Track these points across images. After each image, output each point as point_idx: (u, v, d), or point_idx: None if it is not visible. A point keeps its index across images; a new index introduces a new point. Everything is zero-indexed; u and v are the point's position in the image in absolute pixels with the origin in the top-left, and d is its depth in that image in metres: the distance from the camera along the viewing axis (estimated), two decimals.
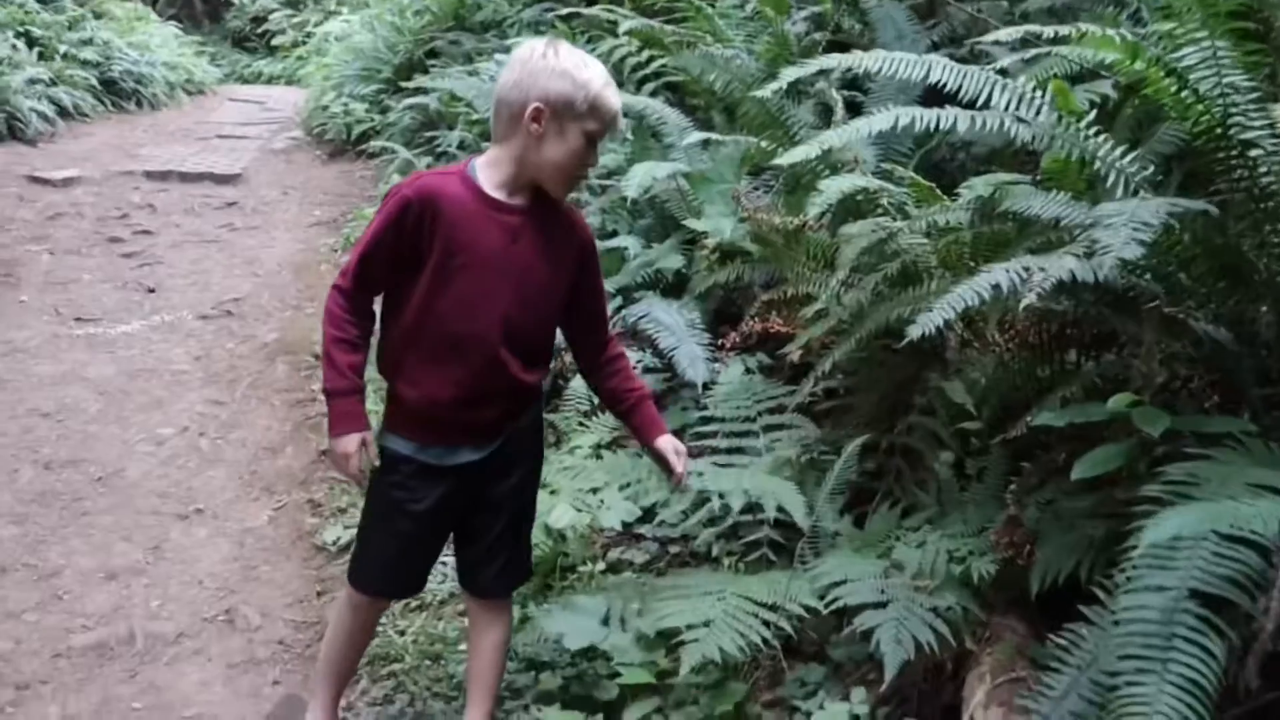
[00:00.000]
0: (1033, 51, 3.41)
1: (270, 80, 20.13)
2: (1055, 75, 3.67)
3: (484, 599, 2.83)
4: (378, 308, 2.63)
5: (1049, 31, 2.77)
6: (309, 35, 18.44)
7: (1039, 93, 2.92)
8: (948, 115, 2.70)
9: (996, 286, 2.41)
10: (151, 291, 7.18)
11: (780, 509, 3.17)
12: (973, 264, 3.15)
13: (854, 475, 3.22)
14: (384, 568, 2.74)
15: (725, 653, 2.60)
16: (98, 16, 14.34)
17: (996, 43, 3.01)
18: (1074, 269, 2.25)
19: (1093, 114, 2.95)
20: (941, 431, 3.30)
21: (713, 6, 6.28)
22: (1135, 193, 2.71)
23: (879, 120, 2.73)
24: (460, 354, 2.52)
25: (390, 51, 11.32)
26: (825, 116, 4.91)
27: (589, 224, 2.82)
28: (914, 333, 2.41)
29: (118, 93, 13.38)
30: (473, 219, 2.48)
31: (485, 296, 2.50)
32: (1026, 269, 2.39)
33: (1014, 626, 2.83)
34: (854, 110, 5.18)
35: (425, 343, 2.53)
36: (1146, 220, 2.14)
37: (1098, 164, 2.73)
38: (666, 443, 2.79)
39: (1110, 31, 2.51)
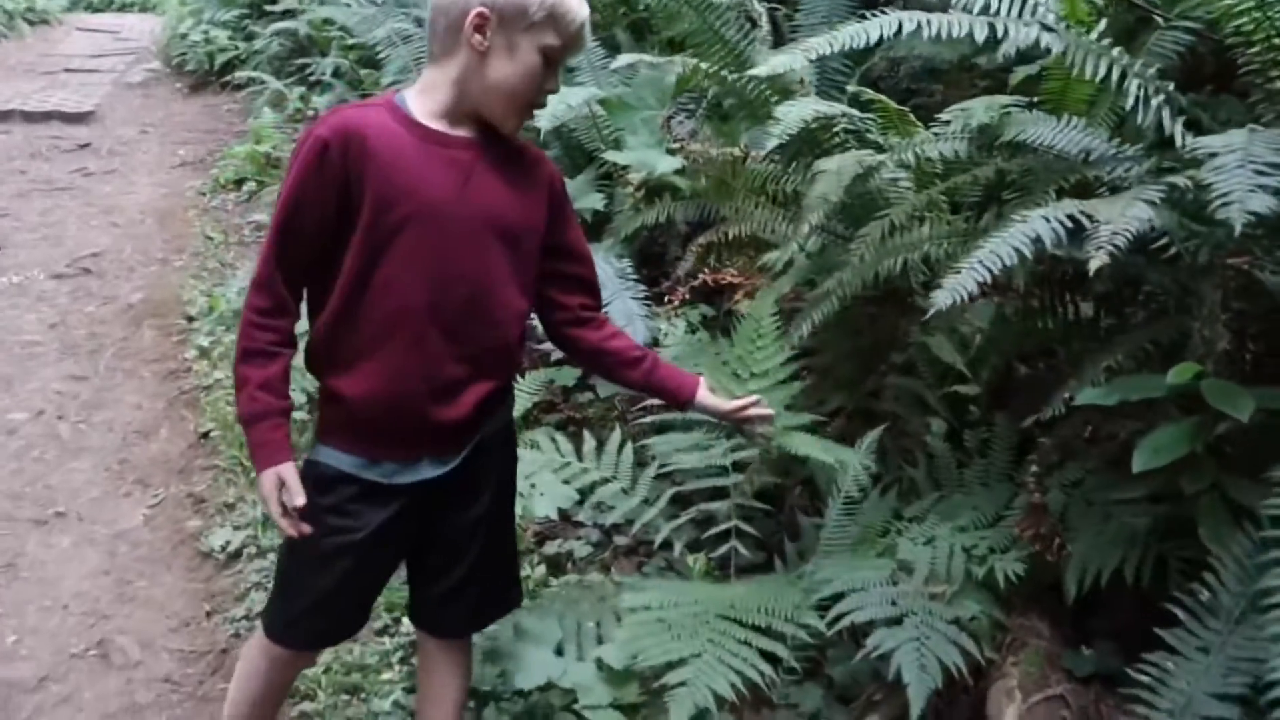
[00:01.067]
0: None
1: (124, 7, 18.76)
2: None
3: (445, 639, 2.29)
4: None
5: None
6: None
7: None
8: (958, 20, 2.22)
9: (1037, 239, 1.96)
10: None
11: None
12: (967, 211, 2.70)
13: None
14: (313, 614, 2.12)
15: (720, 696, 2.13)
16: None
17: None
18: (1149, 219, 1.80)
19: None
20: (927, 395, 2.87)
21: None
22: (1172, 117, 2.27)
23: (876, 25, 2.26)
24: (412, 333, 1.94)
25: None
26: (749, 32, 4.42)
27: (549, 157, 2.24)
28: (941, 301, 1.95)
29: None
30: (410, 158, 1.91)
31: (438, 254, 1.93)
32: (1074, 219, 1.94)
33: (1037, 628, 2.43)
34: (776, 25, 4.70)
35: (366, 323, 1.94)
36: (1271, 160, 1.68)
37: (1126, 81, 2.27)
38: (709, 400, 2.31)
39: None
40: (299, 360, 2.02)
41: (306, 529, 1.96)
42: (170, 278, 5.97)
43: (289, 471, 1.94)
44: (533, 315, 2.18)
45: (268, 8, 9.15)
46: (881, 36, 2.28)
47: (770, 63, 2.38)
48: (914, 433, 2.89)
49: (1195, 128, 2.37)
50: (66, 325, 5.40)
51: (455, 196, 1.93)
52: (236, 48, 10.07)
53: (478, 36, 1.89)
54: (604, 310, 2.34)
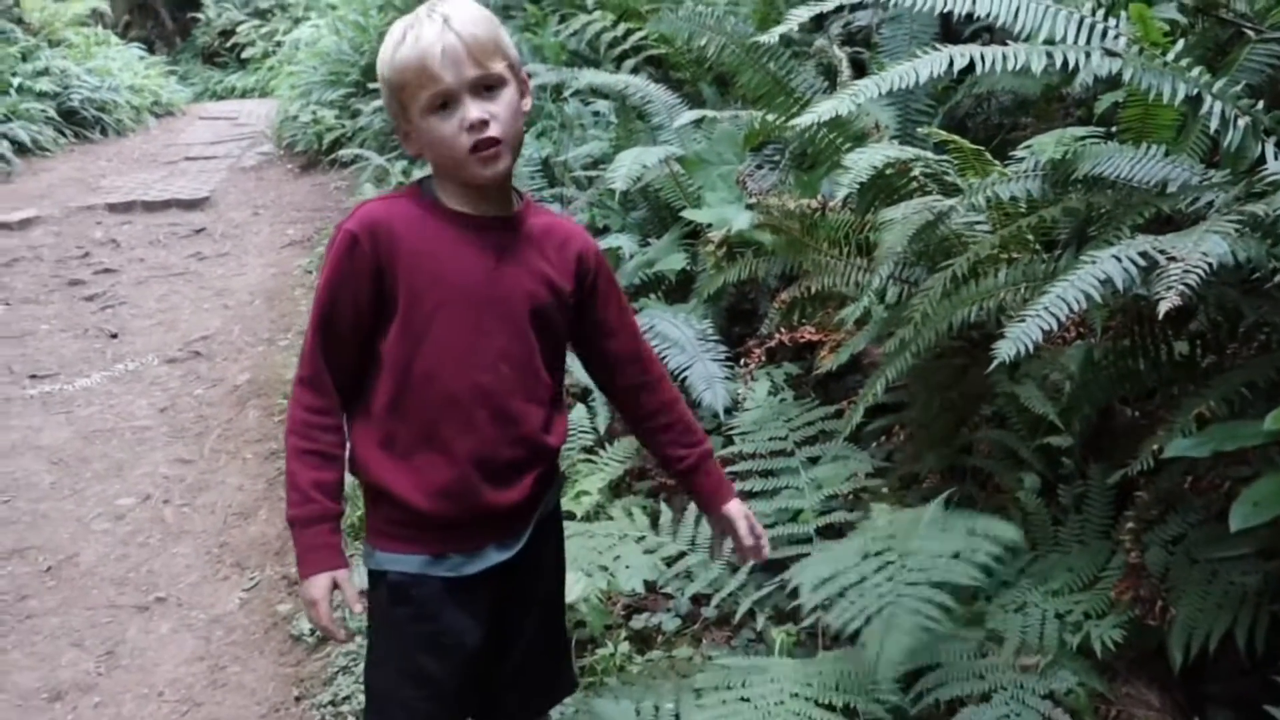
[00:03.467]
0: None
1: (244, 94, 19.50)
2: (1111, 3, 3.09)
3: None
4: None
5: None
6: (279, 44, 17.81)
7: (1111, 21, 2.33)
8: (1015, 52, 2.10)
9: (1107, 281, 1.82)
10: (114, 337, 6.62)
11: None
12: (1041, 249, 2.56)
13: None
14: None
15: None
16: (53, 45, 13.74)
17: None
18: (1222, 255, 1.65)
19: None
20: (1021, 448, 2.71)
21: None
22: (1257, 139, 2.11)
23: (926, 63, 2.14)
24: (462, 419, 1.89)
25: (356, 53, 10.71)
26: (830, 79, 4.32)
27: (584, 228, 2.20)
28: (1004, 352, 1.82)
29: (79, 122, 12.77)
30: (438, 243, 1.87)
31: (476, 337, 1.88)
32: (1147, 256, 1.79)
33: (1145, 698, 2.25)
34: (860, 70, 4.59)
35: (414, 415, 1.89)
36: None
37: (1205, 105, 2.12)
38: (736, 509, 2.19)
39: None
40: None
41: (342, 638, 1.96)
42: (275, 357, 6.06)
43: (345, 577, 1.91)
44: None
45: (371, 85, 9.33)
46: (932, 74, 2.17)
47: (818, 109, 2.28)
48: (1007, 489, 2.73)
49: None
50: (176, 409, 5.52)
51: (486, 279, 1.89)
52: (343, 126, 10.31)
53: (410, 147, 1.93)
54: (683, 376, 2.25)
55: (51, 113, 12.21)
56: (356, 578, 2.03)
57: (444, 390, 1.88)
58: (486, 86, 1.83)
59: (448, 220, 1.89)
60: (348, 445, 1.97)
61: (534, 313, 1.93)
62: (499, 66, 1.84)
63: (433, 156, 1.87)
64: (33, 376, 5.98)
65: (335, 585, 1.91)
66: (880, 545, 2.35)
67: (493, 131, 1.81)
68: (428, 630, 1.96)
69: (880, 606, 2.18)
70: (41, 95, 12.21)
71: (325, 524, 1.91)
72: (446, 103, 1.81)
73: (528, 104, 1.94)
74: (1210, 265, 1.68)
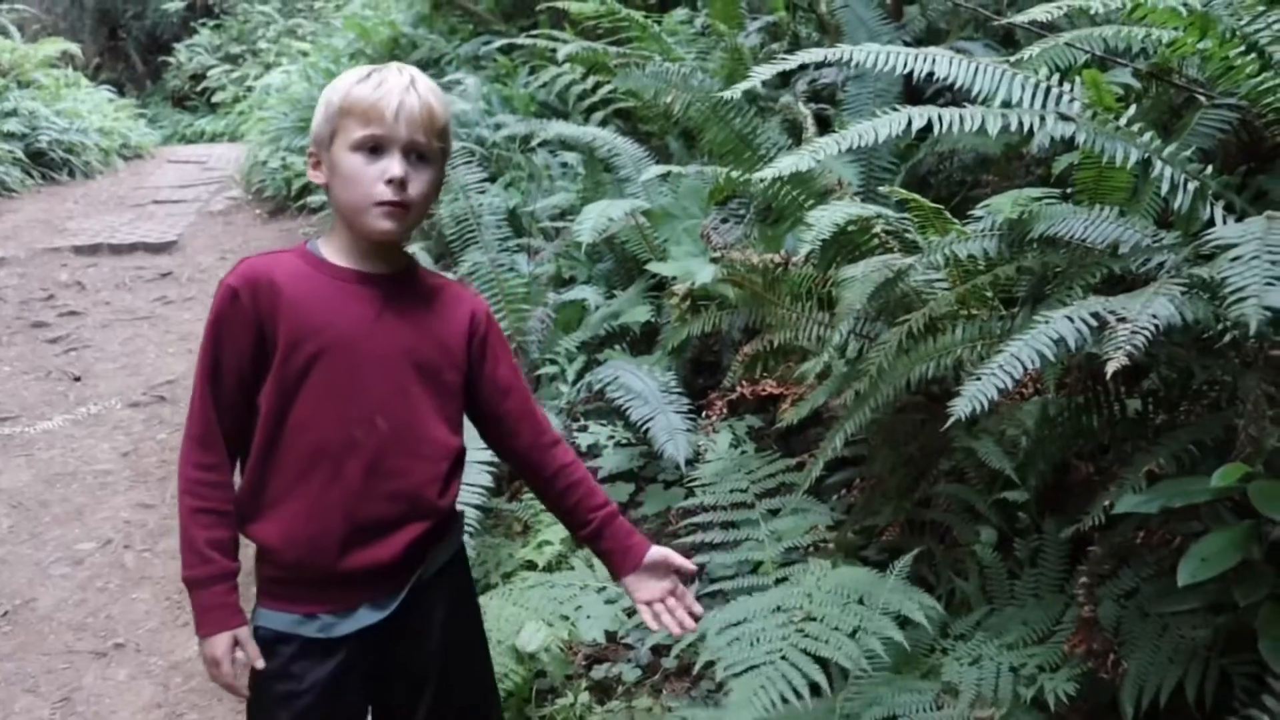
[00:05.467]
0: (1038, 46, 2.89)
1: (213, 138, 19.50)
2: (1066, 67, 3.17)
3: None
4: None
5: (1097, 5, 2.22)
6: (249, 89, 17.84)
7: (1065, 85, 2.40)
8: (972, 114, 2.15)
9: (1060, 340, 1.87)
10: (77, 380, 6.58)
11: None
12: (1000, 306, 2.61)
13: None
14: None
15: None
16: (22, 86, 13.71)
17: (1033, 21, 2.46)
18: (1169, 316, 1.70)
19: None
20: (978, 503, 2.75)
21: (659, 25, 5.77)
22: (1206, 203, 2.17)
23: (885, 123, 2.19)
24: (331, 469, 1.88)
25: None
26: (795, 136, 4.40)
27: (480, 295, 2.21)
28: (960, 409, 1.86)
29: (47, 164, 12.72)
30: (320, 295, 1.88)
31: (352, 388, 1.88)
32: (1098, 316, 1.84)
33: None
34: (825, 126, 4.67)
35: (285, 465, 1.89)
36: None
37: (1155, 169, 2.18)
38: (656, 553, 2.10)
39: (1172, 2, 1.96)
40: None
41: (246, 693, 1.91)
42: None
43: (245, 635, 1.89)
44: None
45: None
46: (891, 133, 2.22)
47: (779, 163, 2.32)
48: (965, 542, 2.77)
49: (1232, 211, 2.27)
50: (139, 453, 5.49)
51: (366, 330, 1.90)
52: None
53: (316, 175, 1.92)
54: (645, 427, 2.24)
55: (19, 154, 12.15)
56: None
57: (315, 440, 1.88)
58: (419, 155, 1.87)
59: (331, 274, 1.91)
60: None
61: (417, 367, 1.94)
62: (436, 145, 1.89)
63: (336, 191, 1.89)
64: None
65: (236, 643, 1.88)
66: (795, 602, 2.41)
67: (407, 196, 1.85)
68: (288, 690, 1.92)
69: (752, 665, 2.27)
70: (9, 136, 12.17)
71: (223, 583, 1.88)
72: (377, 148, 1.84)
73: (437, 197, 1.99)
74: (1157, 326, 1.73)
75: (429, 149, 1.88)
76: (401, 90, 1.85)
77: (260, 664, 1.88)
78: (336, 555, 1.89)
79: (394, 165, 1.83)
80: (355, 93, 1.85)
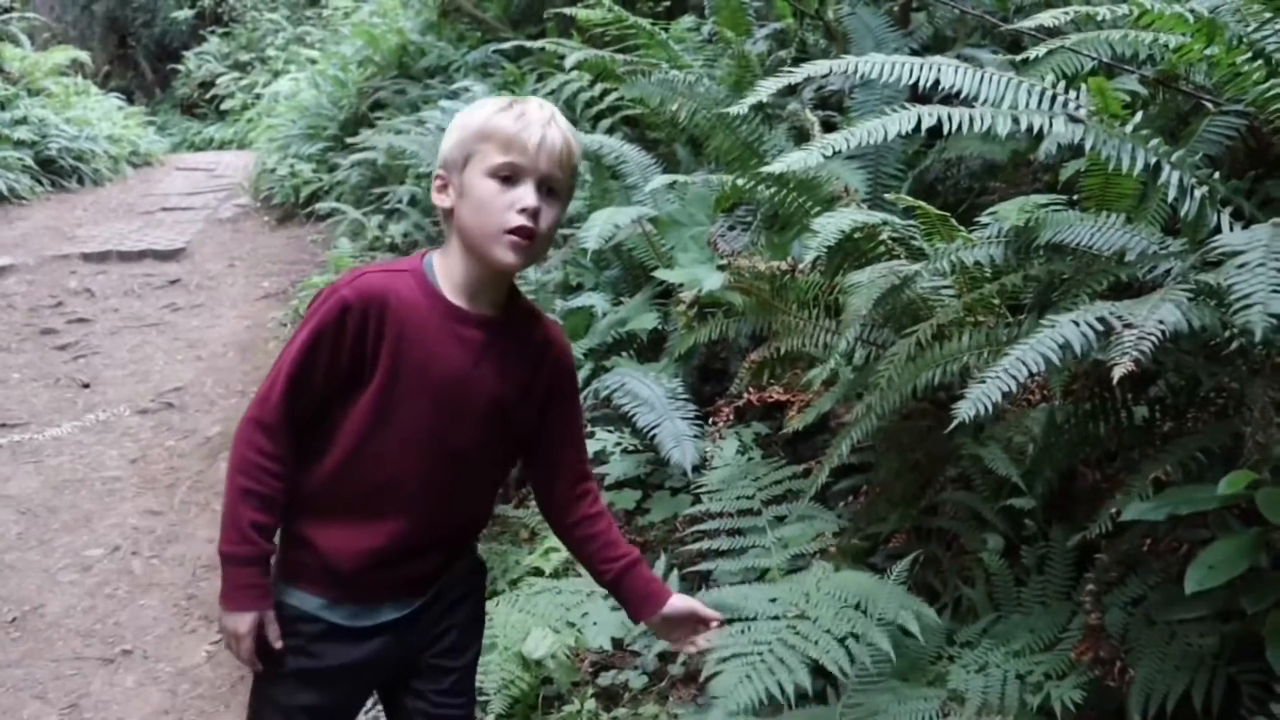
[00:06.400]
0: (1044, 49, 2.88)
1: (222, 145, 19.52)
2: (1073, 74, 3.17)
3: None
4: None
5: (1104, 11, 2.22)
6: (258, 97, 17.89)
7: (1072, 93, 2.40)
8: (981, 114, 2.15)
9: (1065, 345, 1.87)
10: (86, 387, 6.60)
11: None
12: (1007, 314, 2.61)
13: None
14: None
15: None
16: (33, 94, 13.76)
17: (1039, 28, 2.46)
18: (1175, 323, 1.70)
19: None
20: (985, 510, 2.74)
21: (666, 32, 5.77)
22: (1213, 209, 2.17)
23: (894, 121, 2.19)
24: (398, 504, 1.94)
25: (335, 107, 10.78)
26: (801, 143, 4.40)
27: (562, 330, 2.21)
28: (964, 412, 1.86)
29: (57, 171, 12.75)
30: (426, 332, 1.90)
31: (438, 432, 1.92)
32: (1104, 321, 1.84)
33: None
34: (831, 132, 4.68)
35: (353, 489, 1.94)
36: None
37: (1162, 175, 2.18)
38: (680, 604, 2.12)
39: (1178, 8, 1.96)
40: None
41: (259, 668, 1.97)
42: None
43: (271, 618, 1.94)
44: None
45: (350, 140, 9.39)
46: (900, 131, 2.22)
47: (786, 159, 2.32)
48: (972, 549, 2.77)
49: (1240, 217, 2.27)
50: (147, 460, 5.51)
51: (464, 377, 1.92)
52: (320, 180, 10.34)
53: (441, 198, 1.92)
54: (652, 434, 2.24)
55: (29, 161, 12.19)
56: None
57: (391, 473, 1.93)
58: (551, 190, 1.88)
59: (441, 311, 1.92)
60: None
61: (502, 415, 1.97)
62: (568, 181, 1.92)
63: (465, 216, 1.89)
64: (2, 425, 5.94)
65: (260, 623, 1.93)
66: (793, 599, 2.42)
67: (538, 225, 1.85)
68: (302, 664, 1.99)
69: (739, 653, 2.33)
70: (19, 144, 12.21)
71: (258, 565, 1.94)
72: (513, 178, 1.85)
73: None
74: (1164, 332, 1.73)
75: (562, 184, 1.90)
76: (544, 124, 1.87)
77: (279, 644, 1.93)
78: (378, 569, 1.97)
79: (529, 195, 1.84)
80: (497, 120, 1.87)
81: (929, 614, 2.42)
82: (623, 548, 2.14)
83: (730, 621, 2.43)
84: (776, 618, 2.45)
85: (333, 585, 1.99)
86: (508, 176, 1.85)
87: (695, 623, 2.13)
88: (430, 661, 2.09)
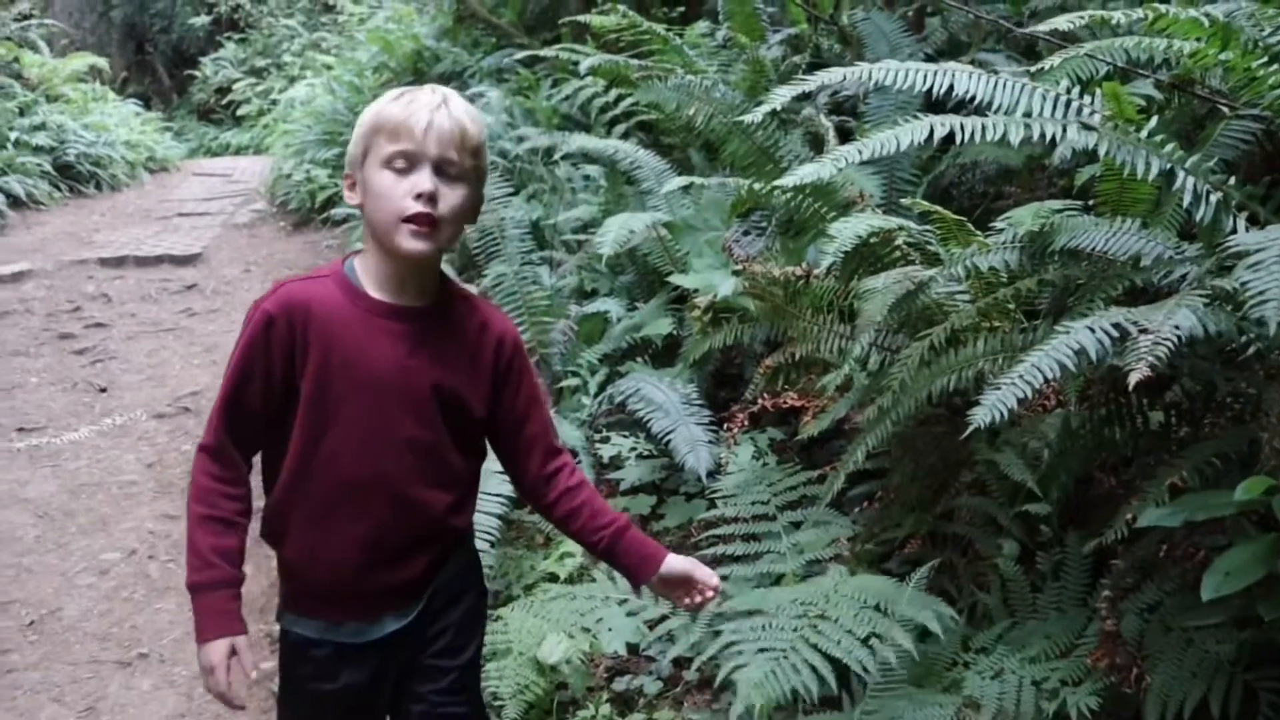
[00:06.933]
0: (1059, 57, 2.88)
1: (238, 151, 19.63)
2: (1088, 79, 3.16)
3: None
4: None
5: (1118, 16, 2.22)
6: (274, 103, 17.98)
7: (1086, 98, 2.40)
8: (995, 123, 2.15)
9: (1081, 351, 1.86)
10: (103, 391, 6.62)
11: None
12: (1023, 319, 2.61)
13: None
14: None
15: None
16: (51, 100, 13.86)
17: (1054, 33, 2.46)
18: (1191, 328, 1.70)
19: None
20: (1000, 516, 2.74)
21: (680, 38, 5.78)
22: (1229, 214, 2.17)
23: (907, 131, 2.19)
24: (362, 503, 1.93)
25: (350, 113, 10.79)
26: (816, 148, 4.40)
27: (509, 317, 2.21)
28: (980, 418, 1.86)
29: (74, 177, 12.83)
30: (354, 331, 1.90)
31: (381, 426, 1.92)
32: (1120, 327, 1.84)
33: None
34: (847, 139, 4.68)
35: (315, 496, 1.93)
36: None
37: (1178, 181, 2.18)
38: (678, 564, 2.10)
39: (1193, 13, 1.96)
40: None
41: (242, 704, 1.99)
42: None
43: (244, 644, 1.93)
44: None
45: None
46: (913, 141, 2.23)
47: (800, 171, 2.33)
48: (987, 555, 2.76)
49: (1256, 221, 2.27)
50: (163, 464, 5.52)
51: (398, 368, 1.92)
52: (336, 185, 10.35)
53: (351, 196, 1.94)
54: (666, 439, 2.24)
55: (47, 167, 12.27)
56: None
57: (344, 475, 1.92)
58: (450, 173, 1.87)
59: (365, 307, 1.92)
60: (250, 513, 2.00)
61: (444, 402, 1.96)
62: (468, 163, 1.90)
63: (369, 211, 1.89)
64: (20, 429, 5.97)
65: (233, 651, 1.92)
66: (814, 599, 2.42)
67: (436, 210, 1.85)
68: (321, 689, 2.01)
69: (764, 648, 2.35)
70: (38, 149, 12.28)
71: (225, 590, 1.93)
72: (407, 165, 1.85)
73: (474, 218, 1.98)
74: (1180, 337, 1.73)
75: (460, 167, 1.89)
76: (431, 108, 1.86)
77: (254, 673, 1.93)
78: (359, 578, 1.96)
79: (423, 180, 1.84)
80: (387, 110, 1.87)
81: (949, 613, 2.41)
82: (610, 514, 2.11)
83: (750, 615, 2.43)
84: (799, 617, 2.44)
85: (327, 605, 1.99)
86: (402, 166, 1.85)
87: (695, 582, 2.11)
88: (427, 662, 2.09)
